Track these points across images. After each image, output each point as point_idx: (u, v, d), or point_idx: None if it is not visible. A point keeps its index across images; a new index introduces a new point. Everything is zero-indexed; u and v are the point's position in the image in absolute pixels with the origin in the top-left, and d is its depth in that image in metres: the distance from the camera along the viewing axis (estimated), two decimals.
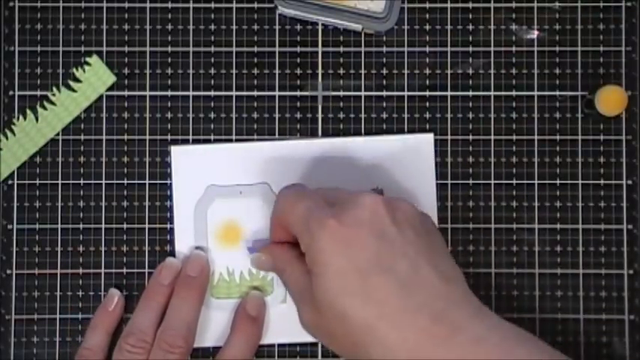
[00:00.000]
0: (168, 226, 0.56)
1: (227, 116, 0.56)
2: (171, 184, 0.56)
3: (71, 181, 0.56)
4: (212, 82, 0.56)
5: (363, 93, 0.56)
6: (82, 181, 0.56)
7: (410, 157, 0.55)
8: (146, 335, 0.51)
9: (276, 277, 0.54)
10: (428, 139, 0.55)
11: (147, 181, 0.56)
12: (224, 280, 0.55)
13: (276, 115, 0.56)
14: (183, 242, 0.55)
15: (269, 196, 0.55)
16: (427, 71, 0.56)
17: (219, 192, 0.55)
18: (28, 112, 0.56)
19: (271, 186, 0.55)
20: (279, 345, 0.55)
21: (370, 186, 0.55)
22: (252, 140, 0.56)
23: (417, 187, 0.55)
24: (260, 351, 0.55)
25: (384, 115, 0.56)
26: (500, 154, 0.56)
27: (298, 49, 0.56)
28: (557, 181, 0.56)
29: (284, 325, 0.55)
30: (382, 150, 0.55)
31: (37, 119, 0.56)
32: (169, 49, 0.56)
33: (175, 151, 0.56)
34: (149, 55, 0.56)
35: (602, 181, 0.56)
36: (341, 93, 0.56)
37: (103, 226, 0.56)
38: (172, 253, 0.55)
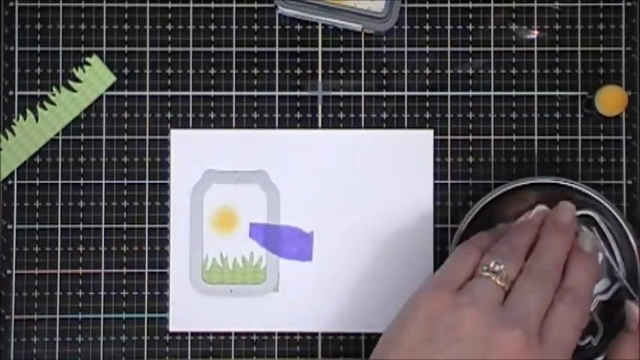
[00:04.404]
0: (168, 226, 0.56)
1: (227, 116, 0.56)
2: (169, 171, 0.56)
3: (71, 181, 0.56)
4: (212, 82, 0.56)
5: (363, 93, 0.56)
6: (82, 181, 0.56)
7: (409, 153, 0.56)
8: (516, 253, 0.47)
9: (268, 265, 0.55)
10: (427, 135, 0.56)
11: (147, 181, 0.56)
12: (217, 266, 0.55)
13: (276, 115, 0.56)
14: (179, 226, 0.55)
15: (267, 183, 0.55)
16: (427, 71, 0.56)
17: (217, 177, 0.56)
18: (28, 112, 0.56)
19: (269, 174, 0.55)
20: (279, 344, 0.55)
21: (368, 178, 0.55)
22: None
23: (414, 183, 0.55)
24: (260, 351, 0.55)
25: (384, 115, 0.56)
26: (500, 154, 0.56)
27: (298, 49, 0.56)
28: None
29: (276, 314, 0.55)
30: (382, 144, 0.56)
31: (37, 119, 0.56)
32: (169, 49, 0.56)
33: (175, 134, 0.56)
34: (149, 55, 0.56)
35: (602, 181, 0.56)
36: (341, 93, 0.56)
37: (103, 226, 0.56)
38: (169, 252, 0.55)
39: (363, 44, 0.56)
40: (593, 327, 0.52)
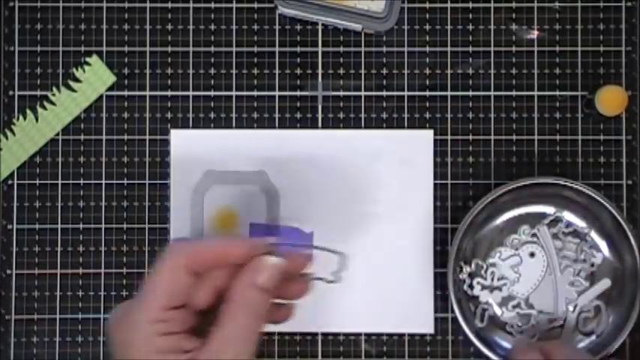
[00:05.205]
0: (168, 226, 0.56)
1: (227, 116, 0.56)
2: (169, 171, 0.56)
3: (71, 181, 0.56)
4: (212, 82, 0.56)
5: (363, 93, 0.56)
6: (82, 181, 0.56)
7: (409, 153, 0.56)
8: None
9: None
10: (427, 135, 0.56)
11: (147, 181, 0.56)
12: None
13: (276, 115, 0.56)
14: (179, 226, 0.55)
15: (266, 183, 0.55)
16: (427, 71, 0.56)
17: (217, 177, 0.56)
18: (28, 112, 0.56)
19: (269, 174, 0.55)
20: (279, 344, 0.55)
21: (368, 178, 0.55)
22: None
23: (414, 183, 0.55)
24: (260, 351, 0.55)
25: (384, 115, 0.56)
26: (500, 154, 0.56)
27: (298, 49, 0.56)
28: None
29: None
30: (382, 144, 0.56)
31: (37, 119, 0.56)
32: (169, 49, 0.56)
33: (175, 134, 0.56)
34: (149, 55, 0.56)
35: (602, 181, 0.56)
36: (341, 93, 0.56)
37: (103, 226, 0.56)
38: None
39: (363, 44, 0.56)
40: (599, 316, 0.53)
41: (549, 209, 0.54)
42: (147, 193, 0.56)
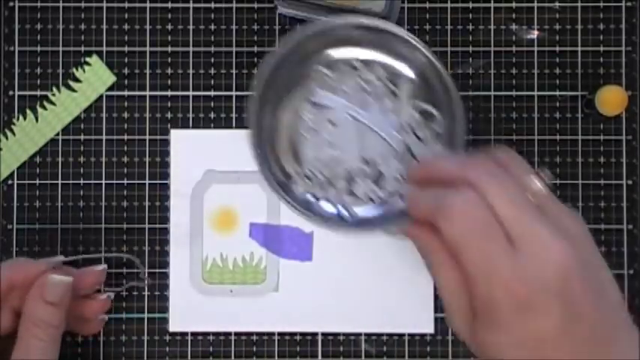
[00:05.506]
0: (168, 226, 0.56)
1: (227, 116, 0.56)
2: (169, 171, 0.56)
3: (71, 181, 0.56)
4: (212, 82, 0.56)
5: None
6: (82, 181, 0.56)
7: None
8: None
9: (268, 265, 0.55)
10: None
11: (147, 181, 0.56)
12: (217, 266, 0.55)
13: None
14: (179, 226, 0.55)
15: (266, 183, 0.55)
16: None
17: (217, 177, 0.56)
18: (28, 112, 0.56)
19: None
20: (279, 344, 0.55)
21: None
22: None
23: None
24: (260, 351, 0.55)
25: None
26: None
27: None
28: (557, 181, 0.56)
29: (276, 314, 0.55)
30: None
31: (37, 119, 0.56)
32: (169, 49, 0.56)
33: (175, 134, 0.56)
34: (149, 55, 0.56)
35: (602, 181, 0.56)
36: None
37: (103, 226, 0.56)
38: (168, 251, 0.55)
39: None
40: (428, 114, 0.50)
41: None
42: (147, 193, 0.56)
